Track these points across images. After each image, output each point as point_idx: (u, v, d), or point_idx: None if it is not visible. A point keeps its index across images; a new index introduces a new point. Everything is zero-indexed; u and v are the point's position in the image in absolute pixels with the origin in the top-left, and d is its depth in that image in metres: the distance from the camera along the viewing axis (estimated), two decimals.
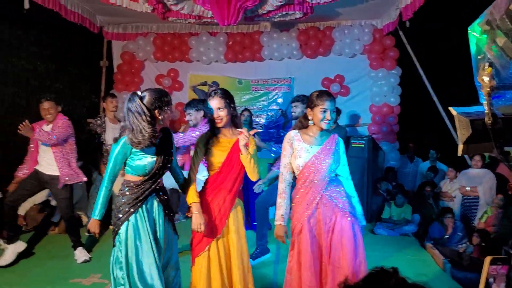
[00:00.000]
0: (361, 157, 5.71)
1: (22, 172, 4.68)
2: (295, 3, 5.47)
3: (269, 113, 7.29)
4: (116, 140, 2.72)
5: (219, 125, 2.86)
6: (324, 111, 2.72)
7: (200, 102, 4.65)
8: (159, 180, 2.76)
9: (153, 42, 7.29)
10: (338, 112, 5.22)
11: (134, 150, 2.63)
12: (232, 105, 2.89)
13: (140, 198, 2.67)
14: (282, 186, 2.81)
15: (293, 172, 2.84)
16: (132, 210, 2.65)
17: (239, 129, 2.91)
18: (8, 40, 6.95)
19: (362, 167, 5.71)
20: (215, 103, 2.84)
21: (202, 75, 7.34)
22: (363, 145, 5.74)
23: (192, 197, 2.83)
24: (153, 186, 2.71)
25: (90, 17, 6.59)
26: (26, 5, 5.01)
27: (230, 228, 2.90)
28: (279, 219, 2.78)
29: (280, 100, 7.26)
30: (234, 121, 2.91)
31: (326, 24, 7.03)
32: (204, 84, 7.24)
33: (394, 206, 5.79)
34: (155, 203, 2.75)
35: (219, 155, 2.89)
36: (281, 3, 5.40)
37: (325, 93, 2.78)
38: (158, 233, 2.72)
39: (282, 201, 2.80)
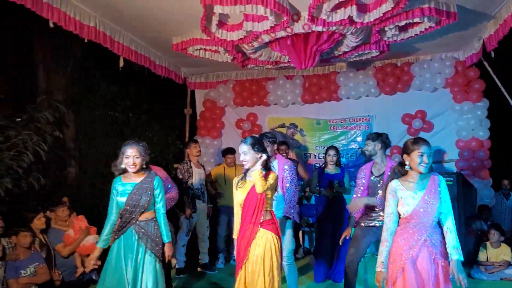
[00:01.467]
0: (450, 195, 5.40)
1: None
2: (371, 42, 5.51)
3: (349, 153, 7.22)
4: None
5: (245, 166, 3.36)
6: (421, 155, 2.87)
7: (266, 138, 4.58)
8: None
9: (233, 89, 7.62)
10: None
11: None
12: (255, 149, 3.32)
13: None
14: (385, 234, 2.92)
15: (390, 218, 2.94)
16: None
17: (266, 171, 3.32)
18: (105, 95, 7.73)
19: (452, 205, 5.39)
20: (241, 148, 3.33)
21: (280, 117, 7.50)
22: (451, 182, 5.47)
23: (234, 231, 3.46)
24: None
25: (175, 70, 7.10)
26: (121, 63, 5.57)
27: (250, 258, 3.26)
28: (380, 265, 2.90)
29: (359, 139, 7.17)
30: (265, 164, 3.32)
31: (404, 60, 6.94)
32: (283, 126, 7.42)
33: (491, 247, 5.39)
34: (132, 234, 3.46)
35: (241, 194, 3.36)
36: (357, 44, 5.47)
37: (420, 139, 2.95)
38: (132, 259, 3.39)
39: (383, 248, 2.90)
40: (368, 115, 7.13)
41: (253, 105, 7.65)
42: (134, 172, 3.49)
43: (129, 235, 3.44)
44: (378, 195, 3.99)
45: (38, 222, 4.82)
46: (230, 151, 6.37)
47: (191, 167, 5.95)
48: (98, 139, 7.63)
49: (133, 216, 3.45)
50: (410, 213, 2.84)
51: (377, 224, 3.95)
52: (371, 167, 4.14)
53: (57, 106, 6.36)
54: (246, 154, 3.33)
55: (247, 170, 3.41)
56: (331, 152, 5.35)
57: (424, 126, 6.83)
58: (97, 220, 6.45)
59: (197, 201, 5.88)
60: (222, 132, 7.82)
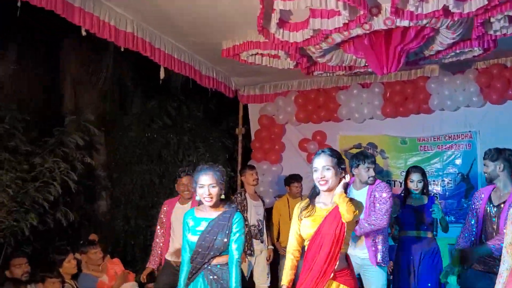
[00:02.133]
0: None
1: (153, 263, 5.13)
2: (472, 37, 5.38)
3: (445, 179, 7.02)
4: None
5: (323, 187, 3.23)
6: None
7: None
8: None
9: (295, 102, 7.67)
10: None
11: None
12: (342, 167, 3.26)
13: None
14: (501, 268, 2.74)
15: None
16: None
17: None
18: (142, 113, 8.02)
19: None
20: (321, 161, 3.24)
21: (354, 135, 7.45)
22: None
23: (283, 278, 3.37)
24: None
25: (225, 81, 7.25)
26: (162, 75, 5.76)
27: None
28: None
29: (458, 161, 6.95)
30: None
31: None
32: (358, 147, 7.34)
33: None
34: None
35: (309, 226, 3.24)
36: (454, 40, 5.36)
37: None
38: None
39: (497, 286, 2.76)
40: (469, 131, 6.94)
41: (321, 121, 7.65)
42: (211, 206, 3.54)
43: (198, 284, 3.48)
44: (494, 240, 3.84)
45: (68, 266, 5.00)
46: (296, 178, 6.40)
47: (246, 198, 6.03)
48: (133, 165, 7.90)
49: (206, 260, 3.49)
50: None
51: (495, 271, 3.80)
52: (491, 193, 4.06)
53: (87, 127, 6.67)
54: (329, 170, 3.24)
55: (315, 194, 3.35)
56: (415, 176, 5.03)
57: None
58: (131, 264, 6.66)
59: (253, 241, 5.94)
60: (282, 155, 7.85)
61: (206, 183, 3.47)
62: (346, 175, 3.26)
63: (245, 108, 8.15)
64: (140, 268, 6.09)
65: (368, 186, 4.65)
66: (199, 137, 8.16)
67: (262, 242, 6.00)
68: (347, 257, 3.32)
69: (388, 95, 7.23)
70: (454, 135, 7.02)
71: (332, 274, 3.15)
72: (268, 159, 7.78)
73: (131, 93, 8.33)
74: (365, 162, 4.63)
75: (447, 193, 6.91)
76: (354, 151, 7.14)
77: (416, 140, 7.21)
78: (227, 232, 3.46)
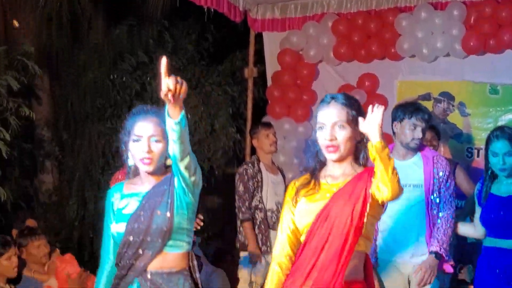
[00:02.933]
0: None
1: None
2: None
3: None
4: None
5: (332, 156, 3.05)
6: None
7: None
8: None
9: (333, 30, 7.55)
10: None
11: None
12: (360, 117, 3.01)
13: None
14: None
15: None
16: None
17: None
18: (104, 46, 7.88)
19: None
20: (330, 114, 3.06)
21: (421, 81, 7.40)
22: None
23: None
24: None
25: None
26: None
27: None
28: None
29: None
30: (356, 153, 3.10)
31: None
32: (427, 97, 7.30)
33: None
34: None
35: (308, 211, 3.06)
36: None
37: None
38: None
39: None
40: None
41: (371, 60, 7.54)
42: (150, 173, 3.30)
43: None
44: None
45: (7, 265, 4.95)
46: None
47: (260, 171, 6.06)
48: (91, 123, 7.82)
49: (141, 257, 3.23)
50: None
51: None
52: None
53: (25, 64, 6.54)
54: (342, 128, 3.05)
55: (319, 164, 3.19)
56: (501, 146, 4.58)
57: None
58: (91, 263, 6.63)
59: (271, 232, 5.94)
60: (313, 109, 7.70)
61: (146, 134, 3.23)
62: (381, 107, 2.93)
63: (259, 38, 8.03)
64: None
65: (420, 155, 4.70)
66: (190, 82, 8.03)
67: None
68: (366, 263, 3.13)
69: (472, 20, 7.09)
70: None
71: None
72: (292, 115, 7.68)
73: (89, 16, 8.19)
74: (412, 116, 4.63)
75: None
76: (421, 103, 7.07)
77: None
78: (169, 200, 3.20)
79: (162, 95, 2.78)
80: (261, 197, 5.90)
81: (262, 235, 5.92)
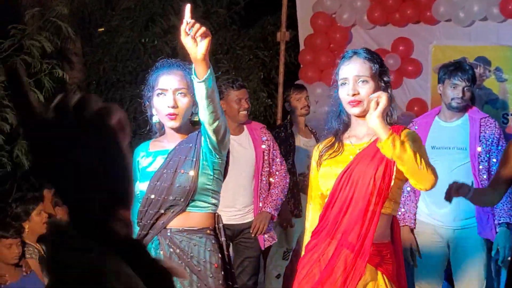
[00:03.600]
0: None
1: None
2: None
3: None
4: None
5: (355, 110, 3.01)
6: None
7: None
8: None
9: None
10: None
11: None
12: (385, 80, 3.07)
13: None
14: None
15: None
16: None
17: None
18: (135, 11, 7.81)
19: None
20: (352, 68, 3.04)
21: (456, 46, 7.33)
22: None
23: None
24: None
25: None
26: None
27: None
28: None
29: None
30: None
31: None
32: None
33: None
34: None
35: (330, 174, 3.05)
36: None
37: None
38: None
39: None
40: None
41: (405, 23, 7.51)
42: (175, 129, 3.20)
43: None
44: None
45: (38, 220, 4.92)
46: None
47: (292, 134, 6.00)
48: (123, 88, 7.81)
49: (162, 215, 3.12)
50: None
51: None
52: None
53: (58, 26, 6.53)
54: (365, 83, 3.03)
55: (343, 125, 3.16)
56: None
57: None
58: None
59: (302, 197, 5.88)
60: None
61: (171, 88, 3.13)
62: (383, 96, 2.89)
63: (291, 2, 7.97)
64: None
65: (467, 116, 4.62)
66: (221, 47, 8.01)
67: None
68: (393, 226, 3.11)
69: None
70: None
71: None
72: (324, 80, 7.59)
73: None
74: (451, 76, 4.60)
75: None
76: None
77: None
78: (194, 159, 3.08)
79: (182, 36, 2.75)
80: (293, 161, 5.83)
81: (295, 199, 5.88)
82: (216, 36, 8.10)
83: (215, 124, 2.92)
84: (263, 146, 5.23)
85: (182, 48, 7.32)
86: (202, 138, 3.05)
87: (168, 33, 7.95)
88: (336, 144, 3.12)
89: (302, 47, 7.94)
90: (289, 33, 7.84)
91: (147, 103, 3.27)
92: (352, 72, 3.03)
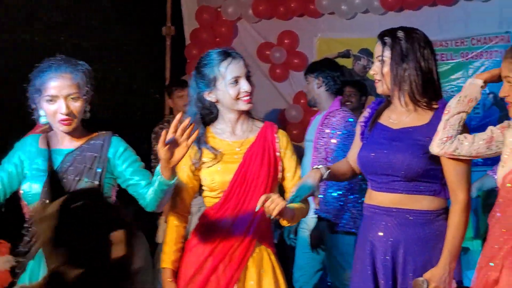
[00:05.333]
0: None
1: None
2: None
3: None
4: None
5: (244, 106, 3.18)
6: None
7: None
8: None
9: None
10: None
11: None
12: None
13: None
14: None
15: None
16: None
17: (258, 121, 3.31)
18: (17, 6, 7.51)
19: None
20: (236, 68, 3.19)
21: (340, 39, 7.45)
22: None
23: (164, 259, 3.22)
24: None
25: None
26: None
27: None
28: None
29: None
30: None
31: None
32: (346, 55, 7.38)
33: None
34: None
35: (223, 172, 3.15)
36: None
37: None
38: None
39: None
40: (507, 32, 6.93)
41: (290, 17, 7.57)
42: (69, 133, 3.06)
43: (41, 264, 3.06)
44: None
45: None
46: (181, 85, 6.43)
47: None
48: (7, 83, 7.52)
49: None
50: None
51: None
52: None
53: None
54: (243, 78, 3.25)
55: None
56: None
57: None
58: (2, 230, 6.39)
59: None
60: None
61: (62, 94, 2.95)
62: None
63: None
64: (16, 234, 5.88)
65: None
66: (107, 41, 7.80)
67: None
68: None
69: None
70: (484, 38, 7.03)
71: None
72: None
73: None
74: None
75: (472, 122, 6.80)
76: (341, 61, 6.99)
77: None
78: (99, 170, 3.07)
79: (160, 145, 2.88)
80: None
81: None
82: (102, 30, 7.90)
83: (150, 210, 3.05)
84: None
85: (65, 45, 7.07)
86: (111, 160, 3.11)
87: (50, 29, 7.69)
88: (210, 139, 3.33)
89: (187, 41, 7.90)
90: (174, 28, 7.89)
91: (34, 105, 3.06)
92: (237, 71, 3.26)
